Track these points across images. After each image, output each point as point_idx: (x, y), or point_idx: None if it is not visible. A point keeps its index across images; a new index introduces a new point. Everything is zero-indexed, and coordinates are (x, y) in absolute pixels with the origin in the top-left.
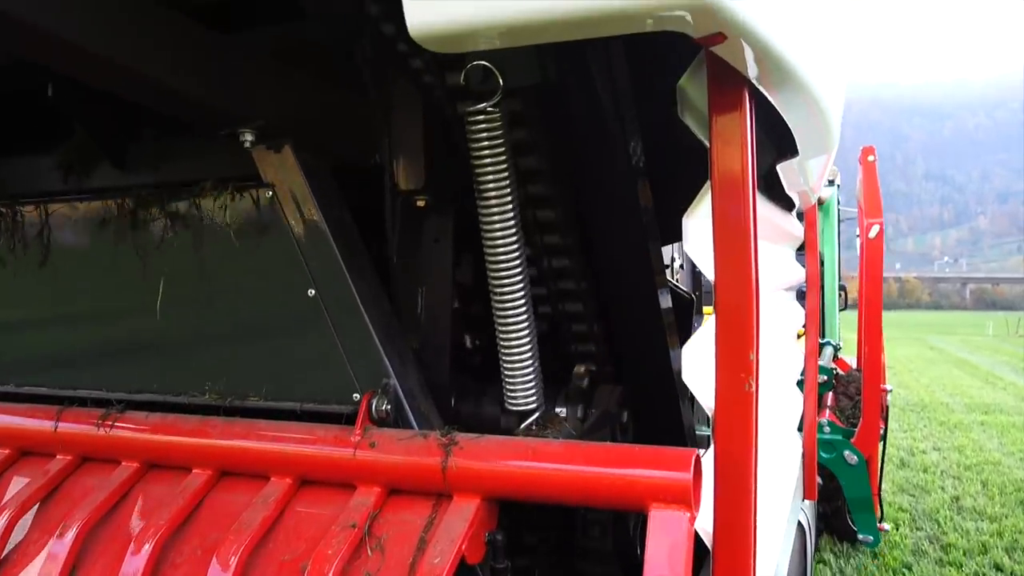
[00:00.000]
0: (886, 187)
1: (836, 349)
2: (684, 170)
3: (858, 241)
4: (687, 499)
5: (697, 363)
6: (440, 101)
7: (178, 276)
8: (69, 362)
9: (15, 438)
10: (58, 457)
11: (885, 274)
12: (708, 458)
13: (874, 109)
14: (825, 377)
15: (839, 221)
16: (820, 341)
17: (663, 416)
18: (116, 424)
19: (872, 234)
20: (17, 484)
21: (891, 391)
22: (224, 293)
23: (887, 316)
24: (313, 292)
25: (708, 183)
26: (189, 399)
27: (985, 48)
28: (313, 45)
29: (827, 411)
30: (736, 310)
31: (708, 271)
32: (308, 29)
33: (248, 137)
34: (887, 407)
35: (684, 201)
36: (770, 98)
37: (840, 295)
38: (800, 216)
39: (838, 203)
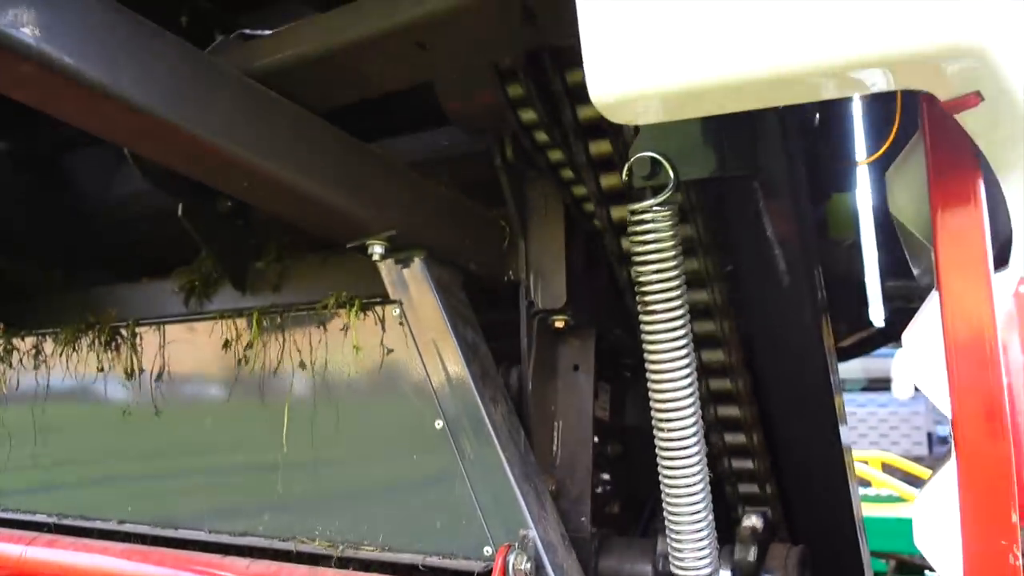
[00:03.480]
0: None
1: None
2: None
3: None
4: None
5: (935, 523)
6: (590, 210)
7: (291, 404)
8: (169, 497)
9: None
10: None
11: None
12: None
13: None
14: None
15: None
16: None
17: None
18: (214, 571)
19: None
20: None
21: None
22: (342, 423)
23: None
24: (441, 424)
25: (933, 292)
26: (297, 546)
27: None
28: (450, 153)
29: None
30: (986, 453)
31: (940, 401)
32: (447, 137)
33: (377, 249)
34: None
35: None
36: (1002, 183)
37: None
38: None
39: None
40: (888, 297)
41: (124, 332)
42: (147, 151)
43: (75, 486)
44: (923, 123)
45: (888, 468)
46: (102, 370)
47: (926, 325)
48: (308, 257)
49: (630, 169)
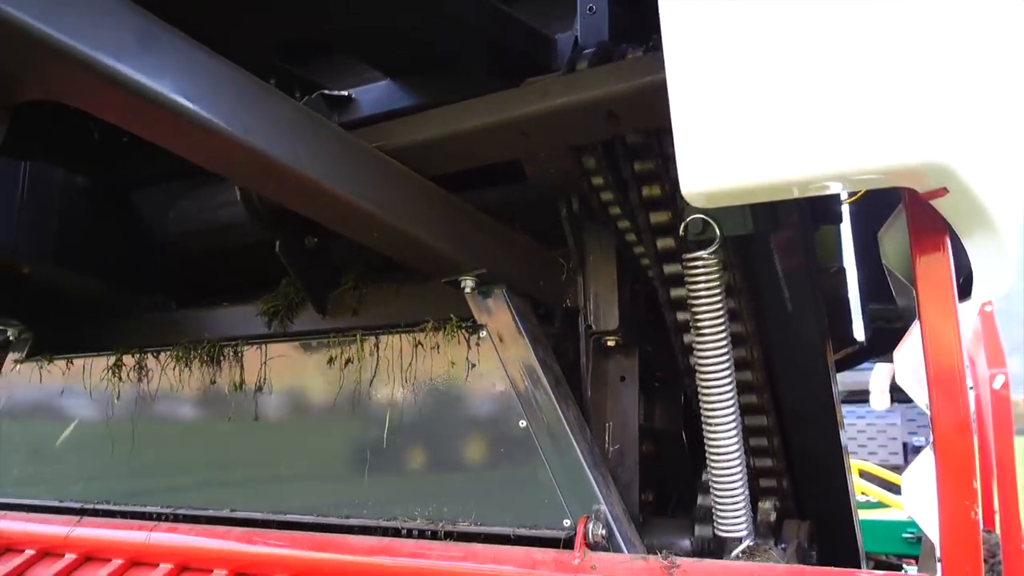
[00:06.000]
0: None
1: None
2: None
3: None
4: None
5: (919, 493)
6: (639, 248)
7: (392, 408)
8: (287, 487)
9: (229, 561)
10: None
11: None
12: None
13: None
14: None
15: None
16: None
17: (844, 552)
18: (332, 549)
19: (997, 385)
20: None
21: None
22: (440, 423)
23: None
24: (524, 423)
25: (916, 322)
26: (402, 524)
27: None
28: (524, 203)
29: None
30: (954, 440)
31: (922, 403)
32: (523, 189)
33: (469, 283)
34: None
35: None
36: (964, 242)
37: None
38: None
39: None
40: (869, 318)
41: (228, 350)
42: (306, 210)
43: (188, 483)
44: (905, 201)
45: (865, 475)
46: (214, 382)
47: (911, 347)
48: (383, 285)
49: (686, 227)
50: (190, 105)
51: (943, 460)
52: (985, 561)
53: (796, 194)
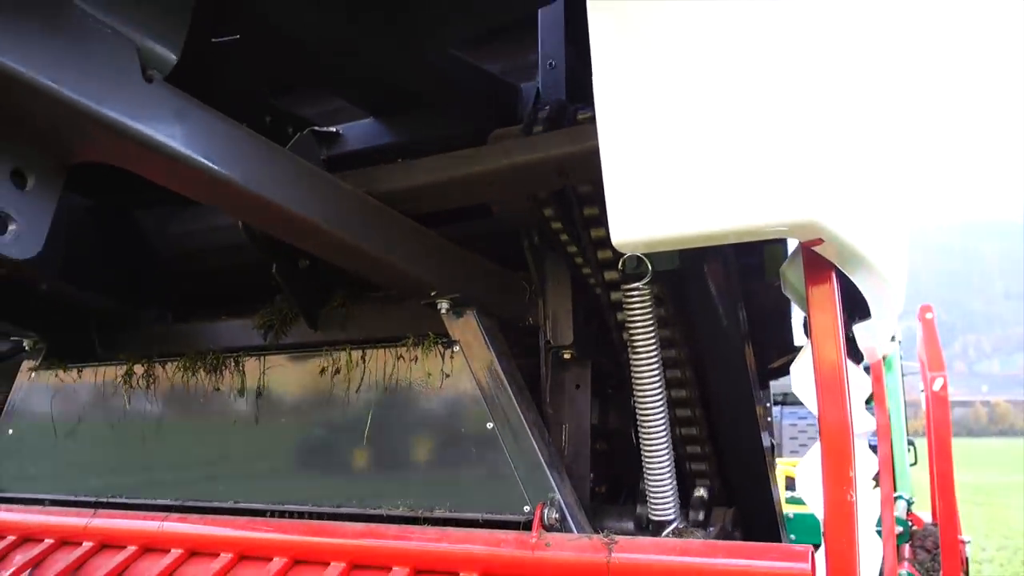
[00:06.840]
0: (964, 307)
1: (909, 504)
2: (770, 331)
3: (923, 396)
4: None
5: (809, 480)
6: (591, 279)
7: (380, 412)
8: (285, 481)
9: (234, 545)
10: (276, 559)
11: (972, 398)
12: (820, 554)
13: (945, 229)
14: (901, 529)
15: (902, 376)
16: (894, 494)
17: (766, 536)
18: (324, 534)
19: (936, 387)
20: None
21: (969, 542)
22: (417, 426)
23: (978, 443)
24: (491, 425)
25: (808, 341)
26: (386, 512)
27: None
28: (491, 235)
29: (905, 563)
30: (836, 437)
31: (812, 407)
32: (490, 224)
33: (444, 305)
34: (967, 559)
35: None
36: (850, 277)
37: (909, 450)
38: (867, 370)
39: (900, 358)
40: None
41: (231, 360)
42: (303, 245)
43: (195, 478)
44: (800, 244)
45: None
46: (218, 388)
47: (805, 360)
48: (367, 303)
49: (623, 263)
50: (213, 165)
51: (827, 453)
52: (929, 551)
53: (701, 244)
